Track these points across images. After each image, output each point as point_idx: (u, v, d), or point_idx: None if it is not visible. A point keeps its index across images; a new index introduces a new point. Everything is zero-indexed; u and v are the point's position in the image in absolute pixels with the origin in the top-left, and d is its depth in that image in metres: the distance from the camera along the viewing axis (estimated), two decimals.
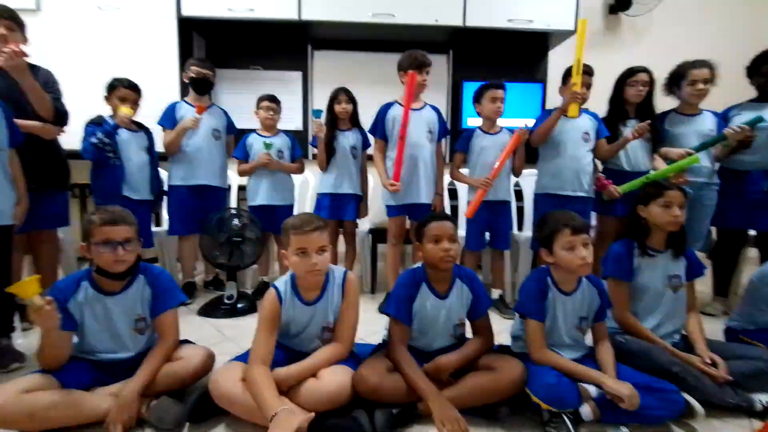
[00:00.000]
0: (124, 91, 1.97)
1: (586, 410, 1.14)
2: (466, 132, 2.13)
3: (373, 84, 2.85)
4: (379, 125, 2.10)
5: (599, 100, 2.11)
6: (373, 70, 3.03)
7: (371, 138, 2.19)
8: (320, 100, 3.04)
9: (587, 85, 1.93)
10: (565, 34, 2.82)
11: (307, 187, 2.72)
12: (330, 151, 2.20)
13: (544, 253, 1.25)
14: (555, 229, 1.21)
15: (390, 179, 2.02)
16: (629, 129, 1.94)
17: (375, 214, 2.56)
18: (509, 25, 2.70)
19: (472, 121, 3.03)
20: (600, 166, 2.15)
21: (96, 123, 1.94)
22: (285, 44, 3.06)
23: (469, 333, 1.37)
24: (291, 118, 3.09)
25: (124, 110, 1.93)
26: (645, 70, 1.98)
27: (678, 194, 1.36)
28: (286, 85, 3.10)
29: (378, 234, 2.45)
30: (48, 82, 1.73)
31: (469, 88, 3.02)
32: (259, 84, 3.02)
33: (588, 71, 1.91)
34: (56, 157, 1.81)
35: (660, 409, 1.11)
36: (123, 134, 1.98)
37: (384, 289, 2.40)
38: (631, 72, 1.98)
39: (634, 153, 2.02)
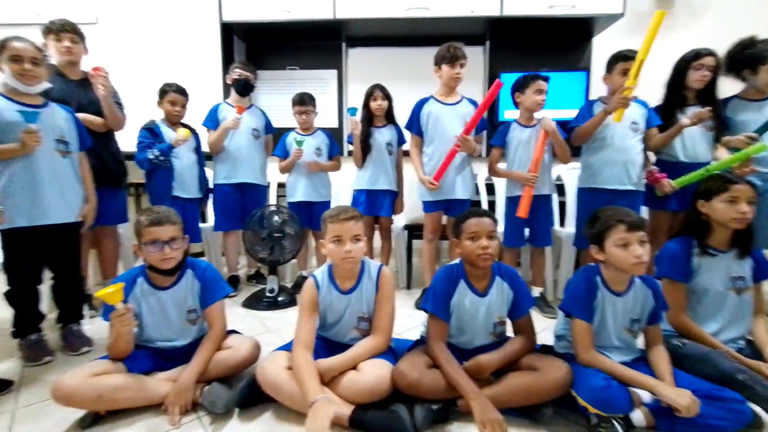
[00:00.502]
0: (173, 95, 2.10)
1: (638, 416, 1.08)
2: (502, 126, 2.06)
3: (409, 79, 2.83)
4: (414, 121, 2.09)
5: (649, 87, 1.97)
6: (408, 65, 3.01)
7: (407, 134, 2.19)
8: (355, 97, 3.09)
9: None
10: (610, 19, 2.66)
11: (344, 183, 2.76)
12: (366, 147, 2.21)
13: (594, 250, 1.19)
14: (608, 225, 1.14)
15: (427, 175, 2.01)
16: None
17: (410, 209, 2.56)
18: (550, 12, 2.58)
19: (510, 114, 2.95)
20: (652, 158, 2.01)
21: (149, 129, 2.08)
22: (320, 43, 3.11)
23: (509, 331, 1.34)
24: (327, 116, 3.14)
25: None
26: (712, 53, 1.81)
27: (746, 188, 1.24)
28: (321, 84, 3.16)
29: (414, 230, 2.44)
30: (112, 92, 1.91)
31: (507, 80, 2.91)
32: (295, 83, 3.09)
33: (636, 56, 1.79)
34: (116, 158, 1.96)
35: (723, 419, 1.02)
36: (173, 136, 2.09)
37: (420, 285, 2.39)
38: (696, 55, 1.82)
39: (692, 142, 1.86)
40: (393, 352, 1.31)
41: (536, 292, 2.07)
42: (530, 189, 1.89)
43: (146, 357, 1.26)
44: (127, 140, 2.08)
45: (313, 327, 1.25)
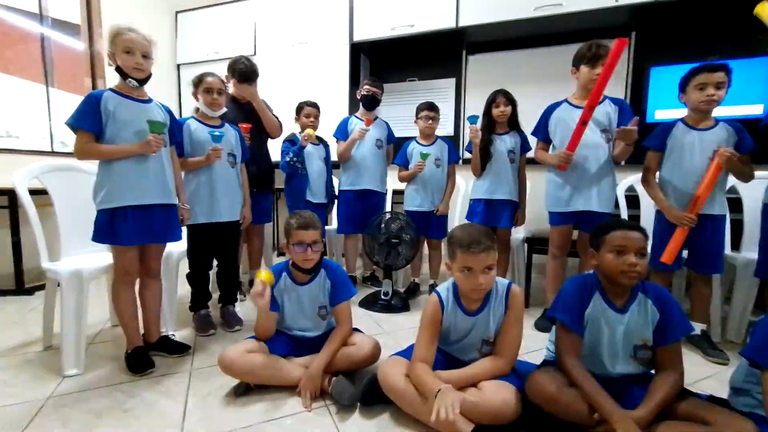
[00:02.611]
0: (308, 109, 2.38)
1: None
2: (662, 125, 1.72)
3: (534, 82, 2.66)
4: (542, 126, 1.94)
5: None
6: (533, 68, 2.84)
7: (533, 140, 2.04)
8: (474, 105, 3.03)
9: None
10: None
11: (458, 192, 2.72)
12: (486, 156, 2.14)
13: None
14: None
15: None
16: None
17: (532, 221, 2.38)
18: None
19: (662, 114, 2.52)
20: None
21: (290, 140, 2.38)
22: (440, 53, 3.15)
23: None
24: (444, 124, 3.15)
25: (308, 131, 2.28)
26: None
27: None
28: (439, 93, 3.19)
29: (534, 243, 2.26)
30: (268, 107, 2.28)
31: (658, 75, 2.51)
32: (414, 94, 3.20)
33: None
34: (269, 167, 2.30)
35: None
36: (308, 147, 2.35)
37: (539, 304, 2.20)
38: None
39: None
40: (517, 374, 1.22)
41: (697, 329, 1.70)
42: (685, 232, 1.59)
43: (285, 343, 1.43)
44: (272, 150, 2.43)
45: (434, 346, 1.22)
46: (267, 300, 1.31)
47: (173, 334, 1.75)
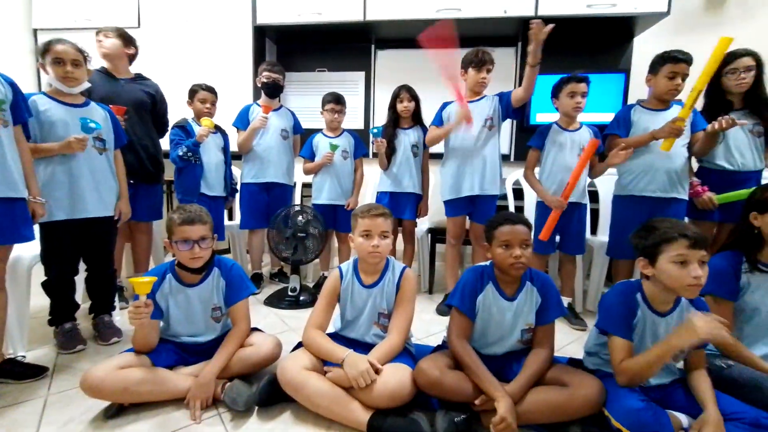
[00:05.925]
0: (203, 93, 2.15)
1: None
2: (541, 127, 1.98)
3: (438, 81, 2.77)
4: (438, 117, 2.09)
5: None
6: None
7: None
8: (383, 99, 3.07)
9: (683, 76, 1.70)
10: (654, 18, 2.53)
11: (368, 185, 2.75)
12: (391, 149, 2.20)
13: (643, 263, 1.10)
14: (667, 238, 1.03)
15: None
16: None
17: (435, 213, 2.52)
18: (588, 12, 2.48)
19: (542, 117, 2.86)
20: (695, 166, 1.88)
21: (180, 126, 2.14)
22: (349, 46, 3.12)
23: None
24: (354, 118, 3.15)
25: (206, 123, 2.08)
26: (748, 53, 1.68)
27: None
28: (349, 86, 3.17)
29: (437, 233, 2.40)
30: (160, 100, 2.06)
31: (539, 82, 2.83)
32: (324, 85, 3.12)
33: (686, 59, 1.67)
34: (156, 156, 2.02)
35: None
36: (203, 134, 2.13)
37: (442, 290, 2.35)
38: (730, 57, 1.68)
39: (739, 150, 1.74)
40: (413, 356, 1.28)
41: (564, 302, 1.98)
42: (558, 214, 1.83)
43: (171, 351, 1.29)
44: (164, 138, 2.16)
45: (328, 314, 1.31)
46: (146, 319, 1.15)
47: (23, 356, 1.45)
